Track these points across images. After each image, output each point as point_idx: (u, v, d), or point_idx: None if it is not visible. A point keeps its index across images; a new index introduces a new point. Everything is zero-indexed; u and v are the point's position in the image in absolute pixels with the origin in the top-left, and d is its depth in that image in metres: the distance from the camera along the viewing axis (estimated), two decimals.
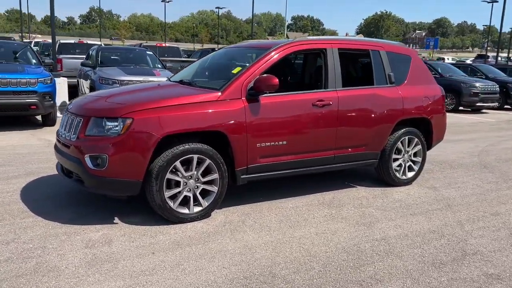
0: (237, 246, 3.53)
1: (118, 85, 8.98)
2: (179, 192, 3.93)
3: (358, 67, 5.95)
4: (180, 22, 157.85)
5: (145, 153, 3.68)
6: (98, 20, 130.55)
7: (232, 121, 4.02)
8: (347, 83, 4.96)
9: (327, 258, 3.39)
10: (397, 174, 5.37)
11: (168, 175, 3.82)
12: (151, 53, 11.77)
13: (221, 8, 73.93)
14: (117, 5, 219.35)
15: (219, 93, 4.08)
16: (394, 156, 5.30)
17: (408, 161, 5.47)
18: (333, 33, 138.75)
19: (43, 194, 4.58)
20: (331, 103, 4.62)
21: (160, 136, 3.70)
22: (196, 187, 4.00)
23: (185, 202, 3.98)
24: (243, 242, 3.62)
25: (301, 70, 6.17)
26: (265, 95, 4.29)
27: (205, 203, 4.06)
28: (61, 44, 16.00)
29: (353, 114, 4.82)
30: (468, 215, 4.49)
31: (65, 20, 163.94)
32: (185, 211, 3.97)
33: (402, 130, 5.28)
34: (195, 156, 3.91)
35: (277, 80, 4.13)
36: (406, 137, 5.34)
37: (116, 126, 3.67)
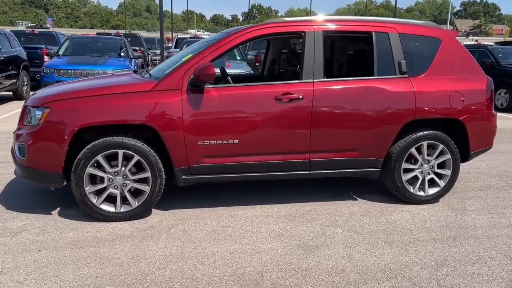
0: (131, 255, 3.14)
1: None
2: (105, 188, 3.69)
3: (354, 53, 4.87)
4: (334, 14, 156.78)
5: (61, 144, 3.52)
6: (258, 17, 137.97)
7: (164, 115, 3.60)
8: (335, 74, 4.07)
9: (217, 282, 2.77)
10: (411, 189, 4.24)
11: (90, 170, 3.60)
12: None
13: None
14: (277, 2, 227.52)
15: (154, 83, 3.69)
16: (405, 165, 4.19)
17: (429, 174, 4.27)
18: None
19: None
20: (301, 97, 3.82)
21: (76, 128, 3.50)
22: (124, 184, 3.70)
23: (115, 200, 3.73)
24: (142, 250, 3.21)
25: (272, 59, 5.33)
26: (214, 86, 3.76)
27: (135, 203, 3.74)
28: (178, 39, 17.22)
29: (336, 111, 3.92)
30: (479, 253, 3.27)
31: (230, 18, 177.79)
32: (111, 209, 3.71)
33: (418, 134, 4.12)
34: (121, 152, 3.61)
35: (213, 69, 3.56)
36: (425, 143, 4.16)
37: (39, 116, 3.59)
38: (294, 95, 3.81)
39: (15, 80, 11.12)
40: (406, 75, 4.07)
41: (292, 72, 4.68)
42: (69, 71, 9.00)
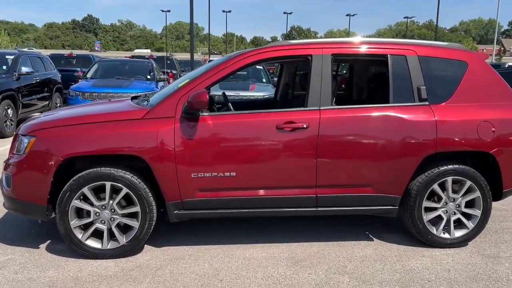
0: None
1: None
2: (92, 223, 3.44)
3: (367, 78, 4.44)
4: (375, 35, 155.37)
5: (46, 175, 3.32)
6: (298, 38, 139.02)
7: (155, 145, 3.34)
8: (345, 101, 3.69)
9: None
10: (433, 231, 3.73)
11: (76, 203, 3.37)
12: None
13: (410, 18, 69.72)
14: (316, 23, 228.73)
15: (146, 111, 3.45)
16: (427, 203, 3.71)
17: (455, 213, 3.76)
18: None
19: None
20: (306, 126, 3.46)
21: (61, 158, 3.29)
22: (112, 219, 3.44)
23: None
24: None
25: (285, 83, 4.96)
26: (210, 114, 3.48)
27: (123, 239, 3.46)
28: (210, 61, 17.30)
29: (345, 142, 3.53)
30: None
31: (269, 39, 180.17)
32: (97, 245, 3.45)
33: (442, 168, 3.65)
34: (108, 184, 3.37)
35: (207, 96, 3.28)
36: (449, 178, 3.67)
37: (25, 144, 3.42)
38: (298, 124, 3.46)
39: (48, 102, 11.40)
40: (427, 103, 3.63)
41: (295, 98, 4.34)
42: (94, 94, 9.05)
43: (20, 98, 9.86)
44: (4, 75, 9.67)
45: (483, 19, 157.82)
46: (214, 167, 3.44)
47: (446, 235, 3.77)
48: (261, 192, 3.53)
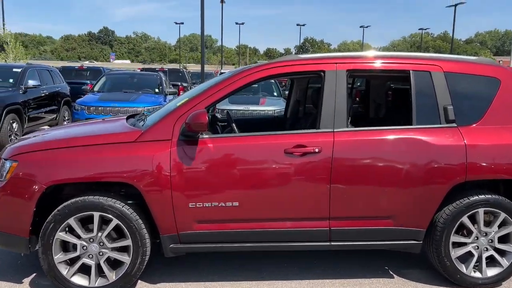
0: None
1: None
2: (78, 257, 3.09)
3: (386, 96, 4.05)
4: (389, 46, 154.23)
5: (27, 205, 2.99)
6: (311, 50, 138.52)
7: (148, 170, 2.99)
8: (363, 122, 3.32)
9: None
10: (463, 269, 3.30)
11: (61, 235, 3.03)
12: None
13: (425, 29, 69.16)
14: (330, 35, 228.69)
15: (140, 133, 3.11)
16: (455, 238, 3.28)
17: (487, 250, 3.32)
18: None
19: None
20: (317, 150, 3.08)
21: (44, 185, 2.96)
22: (100, 253, 3.09)
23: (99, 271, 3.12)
24: None
25: (295, 100, 4.58)
26: (211, 136, 3.12)
27: (112, 276, 3.10)
28: (222, 73, 17.07)
29: (363, 169, 3.13)
30: None
31: (283, 51, 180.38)
32: (84, 282, 3.10)
33: (472, 199, 3.22)
34: (96, 214, 3.02)
35: (206, 117, 2.93)
36: (481, 210, 3.25)
37: (7, 169, 3.10)
38: (309, 148, 3.08)
39: (56, 115, 11.21)
40: (454, 124, 3.22)
41: (305, 119, 3.98)
42: (99, 108, 8.79)
43: (26, 112, 9.67)
44: (10, 88, 9.51)
45: (499, 31, 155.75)
46: (215, 196, 3.07)
47: (477, 274, 3.33)
48: (267, 224, 3.15)
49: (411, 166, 3.13)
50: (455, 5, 37.82)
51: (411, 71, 3.31)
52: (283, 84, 16.94)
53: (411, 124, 3.23)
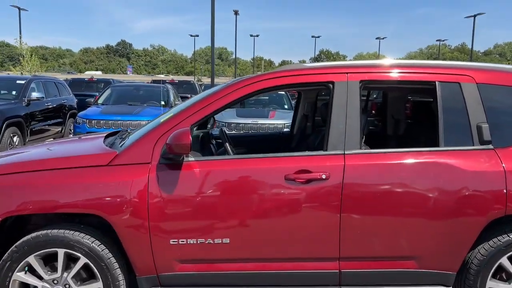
0: None
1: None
2: None
3: (407, 111, 3.51)
4: (405, 58, 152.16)
5: None
6: (325, 62, 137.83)
7: (121, 199, 2.51)
8: (379, 142, 2.80)
9: None
10: None
11: (19, 276, 2.56)
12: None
13: (443, 41, 68.16)
14: (345, 47, 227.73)
15: (114, 154, 2.64)
16: (493, 284, 2.71)
17: None
18: None
19: None
20: (325, 176, 2.56)
21: None
22: None
23: None
24: None
25: (302, 115, 4.06)
26: (197, 159, 2.64)
27: None
28: None
29: (379, 199, 2.60)
30: None
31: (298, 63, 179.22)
32: None
33: None
34: (61, 251, 2.55)
35: (189, 137, 2.44)
36: None
37: None
38: (314, 173, 2.57)
39: (61, 128, 10.92)
40: (491, 146, 2.68)
41: (311, 139, 3.47)
42: (101, 122, 8.40)
43: (29, 125, 9.38)
44: (13, 101, 9.24)
45: None
46: (202, 231, 2.58)
47: None
48: (264, 265, 2.63)
49: (439, 197, 2.58)
50: (474, 16, 36.98)
51: (437, 83, 2.78)
52: (296, 96, 16.45)
53: (437, 146, 2.69)
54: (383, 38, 59.75)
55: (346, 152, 2.63)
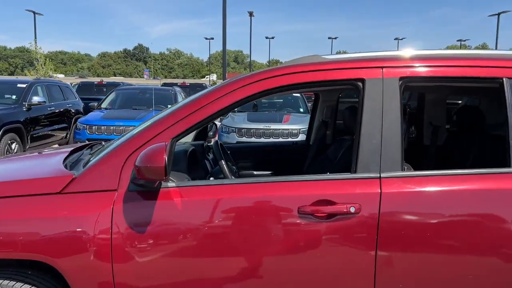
0: None
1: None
2: None
3: (466, 121, 2.74)
4: None
5: None
6: None
7: (74, 241, 1.84)
8: (426, 161, 2.07)
9: None
10: None
11: None
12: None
13: (464, 41, 66.54)
14: (362, 48, 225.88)
15: (70, 178, 1.97)
16: None
17: None
18: None
19: None
20: (354, 210, 1.85)
21: None
22: None
23: None
24: None
25: (320, 121, 3.32)
26: (180, 185, 1.95)
27: None
28: None
29: (431, 240, 1.87)
30: None
31: None
32: None
33: None
34: None
35: (163, 157, 1.75)
36: None
37: None
38: (339, 205, 1.85)
39: (66, 133, 10.41)
40: None
41: (331, 156, 2.76)
42: (102, 128, 7.81)
43: (29, 131, 8.87)
44: (12, 106, 8.74)
45: None
46: (183, 284, 1.89)
47: None
48: None
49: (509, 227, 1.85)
50: (498, 14, 35.59)
51: (504, 80, 2.04)
52: (313, 98, 15.70)
53: (509, 166, 1.95)
54: (402, 39, 58.42)
55: (382, 175, 1.92)
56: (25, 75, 28.44)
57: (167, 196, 1.90)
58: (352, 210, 1.85)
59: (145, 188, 1.90)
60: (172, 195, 1.90)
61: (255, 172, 3.55)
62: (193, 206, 1.90)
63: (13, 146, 8.32)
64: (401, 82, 2.02)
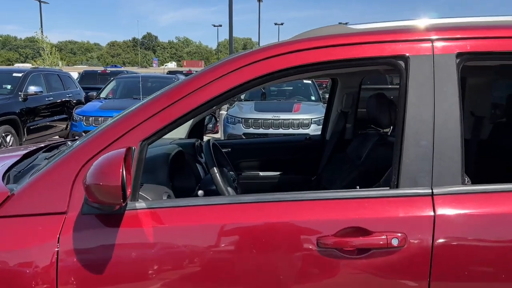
0: None
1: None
2: None
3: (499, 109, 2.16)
4: None
5: None
6: None
7: (6, 280, 1.32)
8: (496, 169, 1.49)
9: None
10: None
11: None
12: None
13: None
14: None
15: (5, 196, 1.44)
16: None
17: None
18: None
19: None
20: (397, 242, 1.29)
21: None
22: None
23: None
24: None
25: (339, 112, 2.74)
26: (151, 206, 1.41)
27: None
28: None
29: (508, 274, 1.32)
30: None
31: None
32: None
33: None
34: None
35: (119, 173, 1.21)
36: None
37: None
38: (375, 236, 1.30)
39: (66, 124, 9.95)
40: None
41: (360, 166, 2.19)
42: (99, 119, 7.31)
43: (26, 122, 8.42)
44: (7, 96, 8.27)
45: None
46: None
47: None
48: None
49: None
50: None
51: None
52: (324, 85, 14.97)
53: None
54: None
55: (436, 191, 1.36)
56: (32, 65, 28.22)
57: (135, 221, 1.37)
58: (395, 242, 1.29)
59: (103, 211, 1.37)
60: (141, 220, 1.37)
61: (261, 173, 3.01)
62: (171, 236, 1.36)
63: (7, 138, 7.88)
64: (459, 60, 1.44)
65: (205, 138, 3.13)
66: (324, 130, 3.13)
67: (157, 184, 1.64)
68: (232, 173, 2.02)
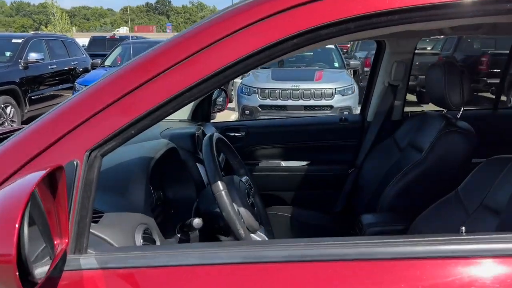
0: None
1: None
2: None
3: None
4: None
5: None
6: None
7: None
8: None
9: None
10: None
11: None
12: None
13: None
14: None
15: None
16: None
17: None
18: None
19: None
20: None
21: None
22: None
23: None
24: None
25: (367, 85, 2.08)
26: (103, 264, 0.80)
27: None
28: None
29: None
30: None
31: None
32: None
33: None
34: None
35: (12, 235, 0.60)
36: None
37: None
38: None
39: (71, 94, 9.43)
40: None
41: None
42: None
43: (27, 92, 7.90)
44: (6, 64, 7.72)
45: None
46: None
47: None
48: None
49: None
50: None
51: None
52: (344, 50, 13.95)
53: None
54: None
55: None
56: (42, 31, 27.76)
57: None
58: None
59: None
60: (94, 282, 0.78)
61: (283, 163, 2.40)
62: None
63: (7, 110, 7.39)
64: None
65: (212, 125, 2.52)
66: (364, 108, 2.44)
67: (128, 212, 1.03)
68: (247, 178, 1.40)
